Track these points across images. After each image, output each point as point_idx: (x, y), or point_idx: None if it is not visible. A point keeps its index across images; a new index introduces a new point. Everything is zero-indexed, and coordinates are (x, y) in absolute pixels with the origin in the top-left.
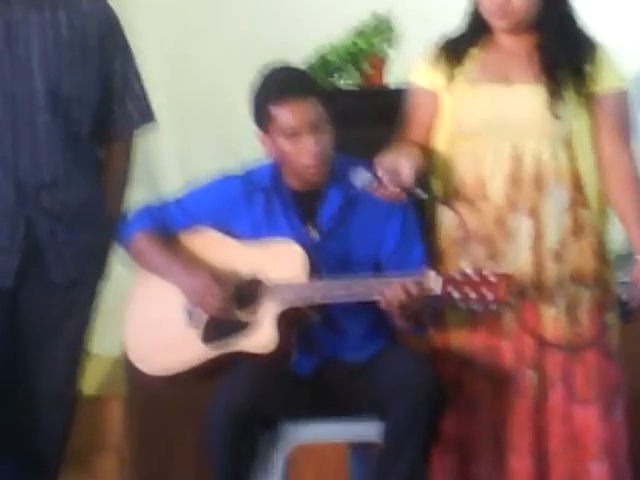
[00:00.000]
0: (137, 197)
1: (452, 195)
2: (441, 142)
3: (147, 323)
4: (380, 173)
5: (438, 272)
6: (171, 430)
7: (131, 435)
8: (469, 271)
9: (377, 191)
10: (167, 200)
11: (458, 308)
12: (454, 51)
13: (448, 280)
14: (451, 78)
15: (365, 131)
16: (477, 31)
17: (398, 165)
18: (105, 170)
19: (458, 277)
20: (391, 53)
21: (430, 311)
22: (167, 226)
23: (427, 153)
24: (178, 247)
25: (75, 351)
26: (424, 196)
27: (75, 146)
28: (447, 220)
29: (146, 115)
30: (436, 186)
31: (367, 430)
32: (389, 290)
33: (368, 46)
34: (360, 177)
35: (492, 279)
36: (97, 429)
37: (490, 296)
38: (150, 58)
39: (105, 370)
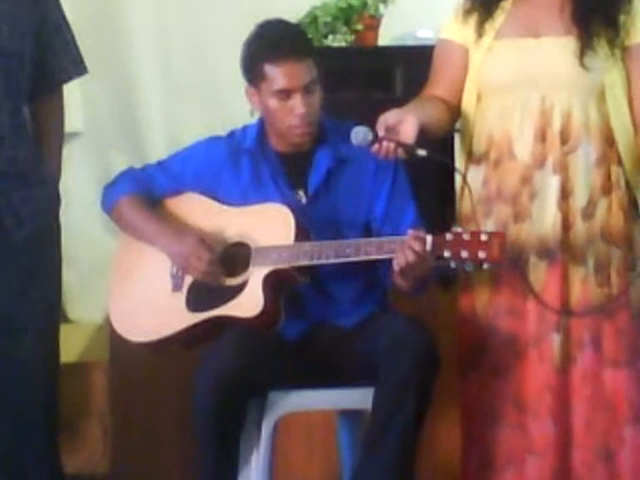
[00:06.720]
0: (123, 163)
1: (481, 154)
2: (468, 99)
3: (131, 289)
4: (381, 129)
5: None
6: (156, 397)
7: (115, 402)
8: (460, 230)
9: (375, 148)
10: (151, 164)
11: (451, 268)
12: (486, 4)
13: (439, 239)
14: (481, 33)
15: (356, 92)
16: None
17: (401, 122)
18: (41, 125)
19: (449, 237)
20: (386, 13)
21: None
22: (152, 189)
23: (453, 109)
24: (164, 211)
25: (47, 313)
26: (424, 154)
27: (15, 102)
28: (470, 181)
29: (78, 66)
30: (463, 145)
31: (357, 397)
32: (398, 250)
33: (360, 4)
34: (359, 134)
35: (484, 238)
36: (80, 396)
37: (482, 255)
38: (136, 20)
39: (87, 336)
